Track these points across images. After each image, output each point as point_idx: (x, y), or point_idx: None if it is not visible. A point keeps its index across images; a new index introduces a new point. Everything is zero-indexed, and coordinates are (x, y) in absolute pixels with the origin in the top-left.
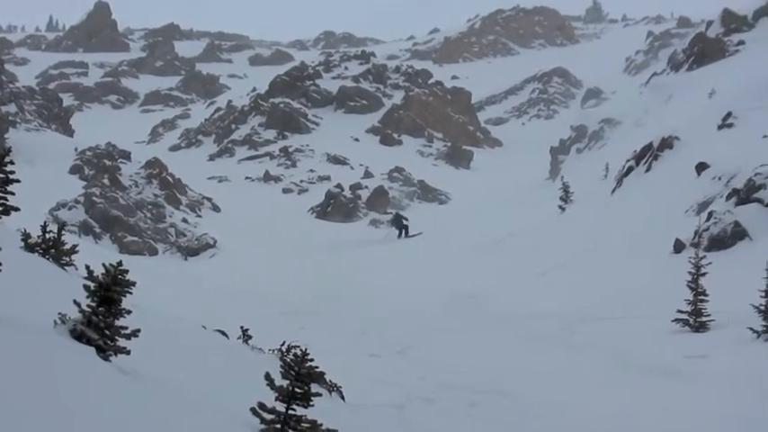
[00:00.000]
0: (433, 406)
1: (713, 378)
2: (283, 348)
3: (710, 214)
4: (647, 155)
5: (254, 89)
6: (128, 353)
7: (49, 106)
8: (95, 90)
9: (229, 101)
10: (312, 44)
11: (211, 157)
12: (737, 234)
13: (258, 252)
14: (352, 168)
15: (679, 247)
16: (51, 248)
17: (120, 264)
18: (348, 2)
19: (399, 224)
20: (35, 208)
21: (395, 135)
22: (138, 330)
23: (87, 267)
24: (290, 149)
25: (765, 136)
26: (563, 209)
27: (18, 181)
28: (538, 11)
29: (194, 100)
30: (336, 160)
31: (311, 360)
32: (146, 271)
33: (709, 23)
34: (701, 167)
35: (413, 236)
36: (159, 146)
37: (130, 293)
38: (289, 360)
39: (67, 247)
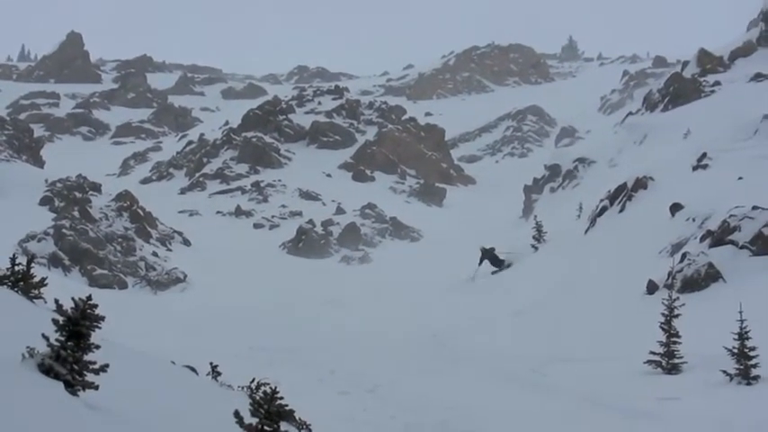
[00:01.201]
0: None
1: (685, 421)
2: (253, 385)
3: (684, 255)
4: (621, 195)
5: (227, 123)
6: (96, 388)
7: (20, 137)
8: (66, 121)
9: (201, 134)
10: (285, 78)
11: (182, 191)
12: (711, 276)
13: (228, 287)
14: (324, 204)
15: (652, 288)
16: (20, 281)
17: (89, 298)
18: (322, 36)
19: (492, 256)
20: (4, 239)
21: (367, 171)
22: (107, 365)
23: (56, 301)
24: (262, 184)
25: (740, 177)
26: (536, 248)
27: None
28: (513, 48)
29: (166, 133)
30: (308, 196)
31: (281, 398)
32: (115, 305)
33: (685, 64)
34: (676, 208)
35: (502, 268)
36: (130, 178)
37: (99, 328)
38: (258, 398)
39: (36, 279)
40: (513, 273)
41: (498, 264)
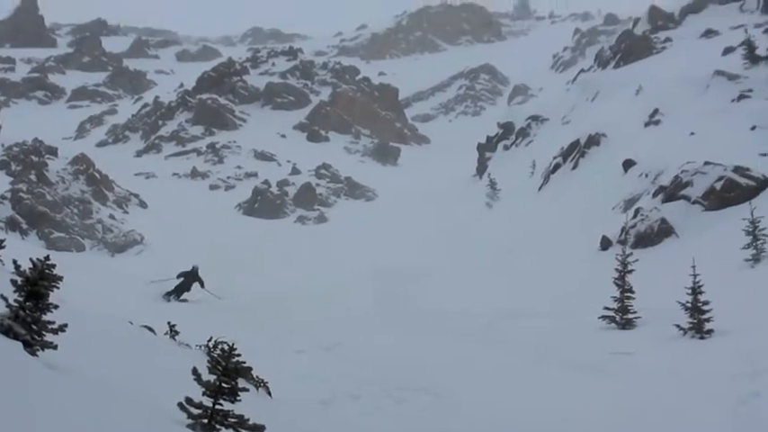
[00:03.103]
0: (359, 402)
1: (638, 374)
2: (210, 344)
3: (637, 211)
4: (574, 152)
5: (182, 85)
6: (55, 348)
7: None
8: (22, 86)
9: (156, 97)
10: (239, 40)
11: (138, 154)
12: (664, 231)
13: (185, 248)
14: (279, 165)
15: (606, 244)
16: None
17: (47, 258)
18: None
19: (184, 284)
20: None
21: (322, 132)
22: (66, 325)
23: (15, 262)
24: (218, 146)
25: (692, 133)
26: (490, 206)
27: None
28: (465, 7)
29: (121, 96)
30: (263, 156)
31: (238, 355)
32: (72, 267)
33: (636, 20)
34: (628, 164)
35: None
36: (86, 142)
37: (58, 288)
38: (216, 355)
39: None
40: (466, 230)
41: (178, 293)
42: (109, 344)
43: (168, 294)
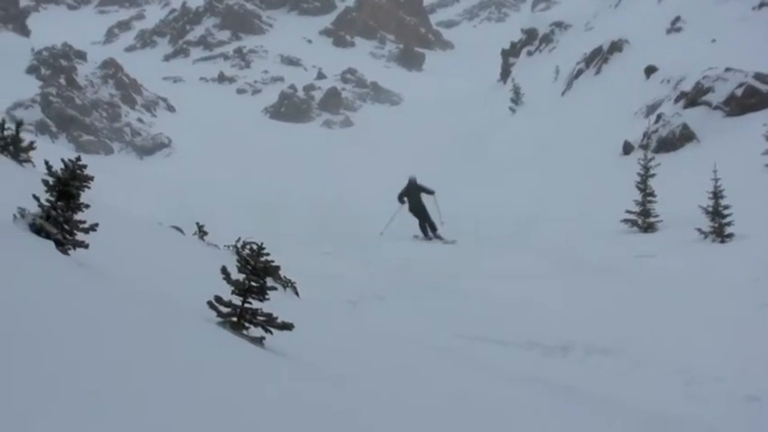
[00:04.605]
0: (385, 302)
1: (660, 277)
2: (238, 244)
3: (659, 117)
4: (597, 58)
5: None
6: (86, 247)
7: (6, 6)
8: None
9: (184, 2)
10: None
11: (166, 58)
12: (685, 136)
13: (212, 151)
14: (305, 70)
15: (628, 148)
16: (9, 145)
17: (78, 159)
18: None
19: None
20: None
21: (347, 37)
22: (97, 225)
23: (46, 162)
24: (245, 50)
25: (714, 40)
26: (514, 111)
27: None
28: None
29: (149, 1)
30: (290, 61)
31: (267, 254)
32: (102, 170)
33: None
34: (650, 71)
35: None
36: (115, 46)
37: (89, 188)
38: (245, 254)
39: (25, 144)
40: (490, 135)
41: (432, 228)
42: (138, 243)
43: (424, 233)
